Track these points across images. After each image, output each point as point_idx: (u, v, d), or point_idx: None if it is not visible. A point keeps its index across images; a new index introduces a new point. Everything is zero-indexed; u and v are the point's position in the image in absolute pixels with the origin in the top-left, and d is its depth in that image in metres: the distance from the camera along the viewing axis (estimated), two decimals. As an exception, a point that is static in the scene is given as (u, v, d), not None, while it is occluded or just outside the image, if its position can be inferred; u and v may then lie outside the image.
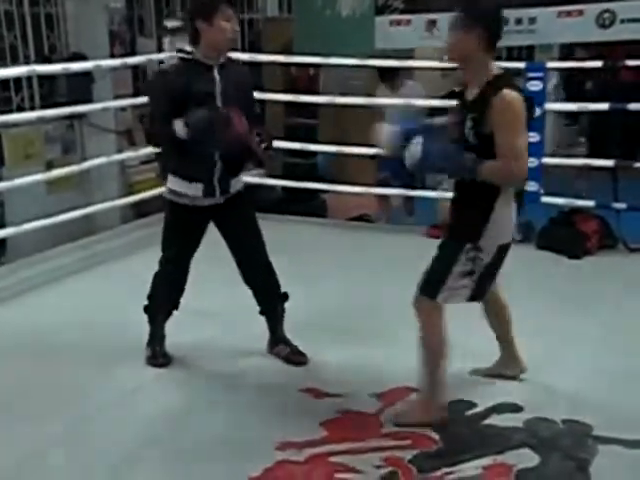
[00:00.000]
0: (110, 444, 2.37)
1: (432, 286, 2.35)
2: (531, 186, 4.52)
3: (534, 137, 4.08)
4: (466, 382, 2.71)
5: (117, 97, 5.09)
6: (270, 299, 2.92)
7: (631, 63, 4.40)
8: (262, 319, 2.95)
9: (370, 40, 5.39)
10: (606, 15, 4.81)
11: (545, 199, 4.46)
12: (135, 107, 5.47)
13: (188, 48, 2.65)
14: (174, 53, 4.82)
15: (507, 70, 2.40)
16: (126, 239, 4.73)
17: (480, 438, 2.39)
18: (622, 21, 4.76)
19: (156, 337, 2.92)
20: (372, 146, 2.90)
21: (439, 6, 5.38)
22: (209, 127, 2.47)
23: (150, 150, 5.17)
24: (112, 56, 5.12)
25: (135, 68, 5.51)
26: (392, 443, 2.37)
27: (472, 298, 2.40)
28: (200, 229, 2.81)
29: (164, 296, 2.89)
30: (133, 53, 5.40)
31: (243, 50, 6.40)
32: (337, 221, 5.18)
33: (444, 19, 5.41)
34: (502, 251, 2.35)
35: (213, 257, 2.99)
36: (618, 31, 4.79)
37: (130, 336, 3.06)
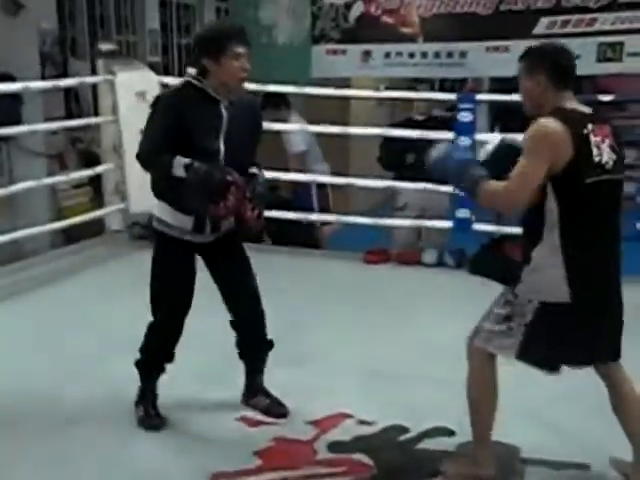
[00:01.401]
0: None
1: (476, 327, 2.24)
2: (462, 213, 4.67)
3: None
4: (398, 407, 2.73)
5: (48, 120, 4.97)
6: (256, 347, 2.71)
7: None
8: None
9: (307, 69, 5.48)
10: (531, 51, 5.04)
11: (476, 226, 4.60)
12: (67, 130, 5.36)
13: (197, 75, 2.47)
14: (108, 76, 4.81)
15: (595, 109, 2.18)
16: (55, 265, 4.58)
17: (413, 462, 2.41)
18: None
19: (148, 395, 2.64)
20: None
21: (374, 37, 5.55)
22: (206, 191, 2.30)
23: (81, 174, 5.08)
24: (43, 77, 5.00)
25: (67, 91, 5.39)
26: (326, 470, 2.36)
27: (522, 357, 2.15)
28: (192, 268, 2.55)
29: (158, 351, 2.62)
30: (65, 75, 5.29)
31: (180, 75, 6.38)
32: (278, 247, 5.17)
33: (379, 50, 5.57)
34: (550, 310, 2.09)
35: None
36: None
37: (60, 371, 2.94)
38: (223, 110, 2.44)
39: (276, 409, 2.68)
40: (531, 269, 2.11)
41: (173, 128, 2.37)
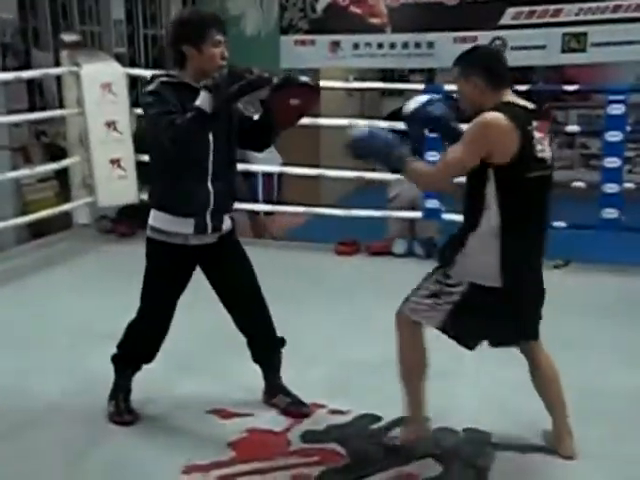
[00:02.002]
0: None
1: (405, 299, 2.34)
2: (432, 203, 4.71)
3: (614, 162, 4.27)
4: (371, 396, 2.75)
5: (11, 112, 4.86)
6: (267, 347, 2.67)
7: (521, 88, 4.67)
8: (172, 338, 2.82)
9: (275, 59, 5.45)
10: (497, 42, 5.10)
11: (445, 216, 4.64)
12: (31, 123, 5.25)
13: (163, 72, 2.42)
14: (72, 68, 4.72)
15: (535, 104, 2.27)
16: (21, 261, 4.50)
17: (386, 450, 2.43)
18: (512, 48, 5.07)
19: (121, 391, 2.60)
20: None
21: (342, 28, 5.54)
22: (232, 76, 2.20)
23: (47, 168, 4.99)
24: (4, 69, 4.89)
25: (30, 82, 5.28)
26: (300, 460, 2.37)
27: (444, 330, 2.27)
28: (188, 273, 2.52)
29: (139, 350, 2.59)
30: (28, 66, 5.18)
31: (147, 67, 6.30)
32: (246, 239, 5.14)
33: (347, 40, 5.57)
34: (478, 292, 2.19)
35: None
36: (509, 58, 5.08)
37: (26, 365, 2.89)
38: None
39: (297, 409, 2.65)
40: (465, 253, 2.20)
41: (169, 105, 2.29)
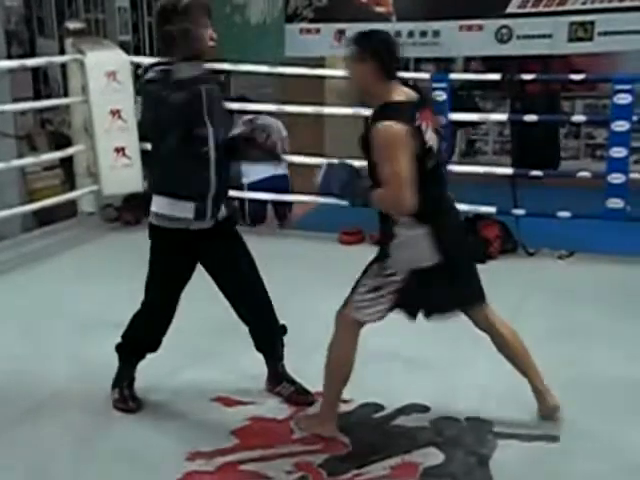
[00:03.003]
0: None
1: (346, 298, 2.39)
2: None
3: (620, 152, 4.23)
4: (374, 385, 2.76)
5: (16, 100, 4.87)
6: (269, 335, 2.69)
7: (527, 77, 4.65)
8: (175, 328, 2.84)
9: (280, 48, 5.42)
10: (504, 31, 5.07)
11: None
12: (36, 111, 5.26)
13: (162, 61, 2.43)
14: (77, 56, 4.72)
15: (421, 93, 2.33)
16: (27, 248, 4.52)
17: (388, 439, 2.44)
18: (518, 37, 5.04)
19: (125, 379, 2.63)
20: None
21: (348, 16, 5.50)
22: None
23: (52, 156, 4.99)
24: (9, 57, 4.89)
25: (35, 70, 5.28)
26: (302, 448, 2.38)
27: (391, 311, 2.36)
28: (192, 260, 2.53)
29: (143, 340, 2.61)
30: (33, 54, 5.18)
31: (151, 54, 6.28)
32: (249, 228, 5.15)
33: (352, 29, 5.54)
34: (418, 275, 2.29)
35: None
36: (515, 46, 5.06)
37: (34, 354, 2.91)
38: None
39: (301, 398, 2.67)
40: (398, 244, 2.29)
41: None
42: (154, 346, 2.63)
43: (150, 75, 2.39)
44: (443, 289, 2.33)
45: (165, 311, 2.58)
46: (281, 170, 5.21)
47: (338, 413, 2.56)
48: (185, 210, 2.44)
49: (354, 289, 2.38)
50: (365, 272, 2.37)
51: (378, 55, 2.23)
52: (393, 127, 2.15)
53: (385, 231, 2.33)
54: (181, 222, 2.46)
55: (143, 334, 2.61)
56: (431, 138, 2.25)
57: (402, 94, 2.27)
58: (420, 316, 2.41)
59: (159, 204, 2.47)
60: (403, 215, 2.24)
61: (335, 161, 2.38)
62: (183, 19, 2.34)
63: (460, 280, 2.38)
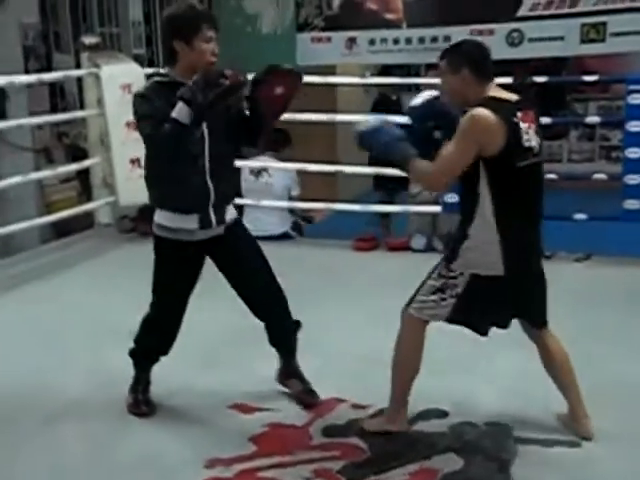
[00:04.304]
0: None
1: (411, 297, 2.39)
2: (450, 197, 4.69)
3: (636, 153, 4.20)
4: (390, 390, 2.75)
5: (33, 114, 4.94)
6: (284, 331, 2.70)
7: (539, 79, 4.64)
8: (195, 335, 2.85)
9: (291, 57, 5.47)
10: (515, 34, 5.07)
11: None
12: (53, 124, 5.33)
13: (162, 71, 2.48)
14: (92, 69, 4.78)
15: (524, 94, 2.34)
16: (45, 259, 4.58)
17: (407, 445, 2.43)
18: (530, 40, 5.04)
19: (140, 383, 2.66)
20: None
21: (358, 24, 5.54)
22: (207, 83, 2.20)
23: (69, 168, 5.06)
24: (27, 72, 4.97)
25: (52, 84, 5.36)
26: (321, 455, 2.38)
27: (452, 320, 2.35)
28: (198, 267, 2.55)
29: (154, 343, 2.63)
30: (49, 69, 5.26)
31: (165, 67, 6.35)
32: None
33: (363, 37, 5.57)
34: (480, 282, 2.25)
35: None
36: (526, 49, 5.06)
37: (52, 362, 2.94)
38: None
39: (307, 398, 2.68)
40: (468, 245, 2.26)
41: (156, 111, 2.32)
42: (165, 349, 2.65)
43: (147, 85, 2.41)
44: (502, 304, 2.31)
45: (172, 316, 2.60)
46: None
47: (356, 418, 2.57)
48: (189, 222, 2.45)
49: (419, 288, 2.37)
50: (432, 272, 2.36)
51: (467, 62, 2.25)
52: (482, 114, 2.16)
53: (459, 230, 2.31)
54: (185, 234, 2.46)
55: (153, 338, 2.63)
56: (532, 139, 2.23)
57: (501, 93, 2.27)
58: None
59: (161, 216, 2.48)
60: (429, 190, 2.29)
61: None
62: (185, 31, 2.33)
63: (520, 300, 2.34)
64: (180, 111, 2.25)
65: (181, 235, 2.46)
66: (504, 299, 2.31)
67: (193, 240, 2.48)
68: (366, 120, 2.35)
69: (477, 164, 2.20)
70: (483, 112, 2.17)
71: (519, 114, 2.22)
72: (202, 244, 2.50)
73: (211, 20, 2.39)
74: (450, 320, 2.35)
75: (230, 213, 2.56)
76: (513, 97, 2.29)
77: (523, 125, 2.21)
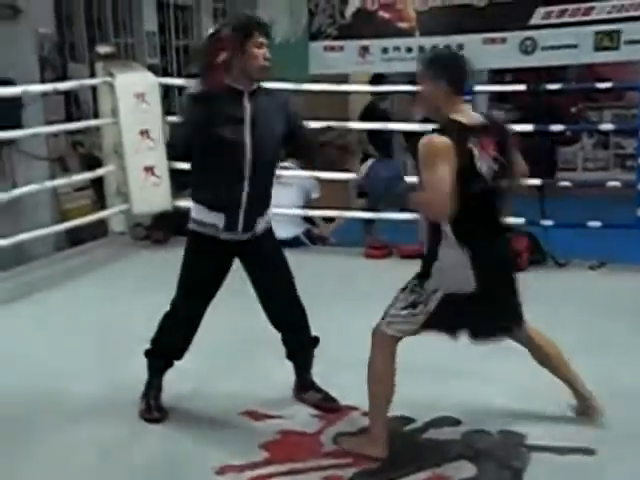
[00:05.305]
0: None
1: (384, 313, 2.39)
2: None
3: None
4: (403, 398, 2.74)
5: (49, 123, 4.99)
6: (301, 345, 2.73)
7: (552, 87, 4.63)
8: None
9: (304, 66, 5.49)
10: (528, 42, 5.06)
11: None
12: (68, 133, 5.38)
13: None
14: (107, 78, 4.83)
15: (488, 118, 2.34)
16: (60, 267, 4.61)
17: (419, 452, 2.42)
18: (543, 48, 5.03)
19: (153, 388, 2.66)
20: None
21: (371, 32, 5.56)
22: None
23: (83, 177, 5.10)
24: (43, 82, 5.03)
25: (67, 94, 5.42)
26: (333, 462, 2.37)
27: (417, 332, 2.37)
28: (225, 267, 2.58)
29: (170, 344, 2.64)
30: (65, 79, 5.32)
31: (179, 76, 6.40)
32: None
33: (376, 45, 5.58)
34: (455, 300, 2.27)
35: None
36: (540, 57, 5.05)
37: (66, 368, 2.95)
38: (246, 101, 2.46)
39: (328, 405, 2.69)
40: (439, 266, 2.28)
41: (196, 123, 2.43)
42: (180, 352, 2.66)
43: (195, 90, 2.50)
44: (477, 316, 2.32)
45: (191, 316, 2.61)
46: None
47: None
48: (215, 218, 2.51)
49: (390, 306, 2.38)
50: (404, 288, 2.37)
51: (449, 75, 2.26)
52: (435, 139, 2.18)
53: (430, 250, 2.32)
54: (211, 228, 2.52)
55: (170, 338, 2.64)
56: (486, 165, 2.23)
57: (466, 116, 2.26)
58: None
59: (194, 209, 2.57)
60: (440, 219, 2.22)
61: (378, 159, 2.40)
62: (242, 37, 2.42)
63: (495, 310, 2.35)
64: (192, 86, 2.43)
65: (210, 230, 2.52)
66: (475, 313, 2.29)
67: (220, 237, 2.52)
68: (361, 171, 2.33)
69: None
70: (434, 137, 2.19)
71: (474, 139, 2.21)
72: (230, 245, 2.54)
73: (263, 27, 2.49)
74: (416, 332, 2.36)
75: (261, 224, 2.59)
76: (475, 120, 2.26)
77: (476, 151, 2.20)
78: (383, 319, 2.38)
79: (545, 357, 2.52)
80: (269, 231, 2.64)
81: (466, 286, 2.25)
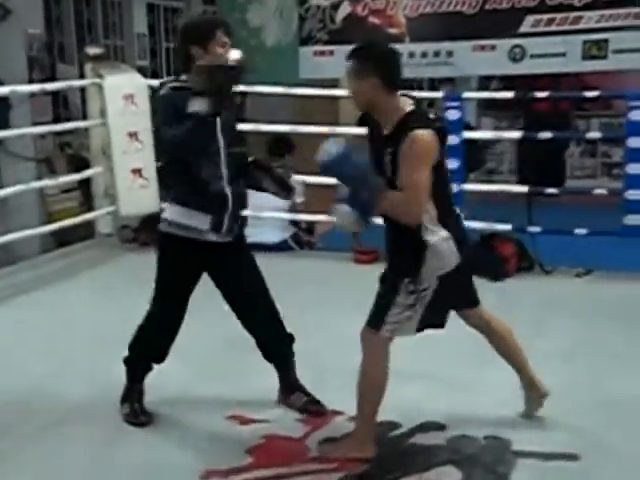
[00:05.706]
0: None
1: (376, 319, 2.35)
2: (452, 211, 4.69)
3: (453, 163, 4.25)
4: (389, 403, 2.74)
5: (36, 124, 4.97)
6: (277, 345, 2.70)
7: (540, 95, 4.66)
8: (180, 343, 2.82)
9: (294, 70, 5.50)
10: (517, 50, 5.10)
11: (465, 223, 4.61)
12: (56, 134, 5.36)
13: (171, 78, 2.56)
14: (96, 79, 4.81)
15: (420, 101, 2.36)
16: (46, 269, 4.58)
17: (405, 457, 2.42)
18: (532, 56, 5.07)
19: (134, 392, 2.64)
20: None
21: (361, 38, 5.57)
22: (227, 76, 2.32)
23: (70, 178, 5.07)
24: (31, 82, 5.00)
25: (56, 95, 5.40)
26: (318, 467, 2.36)
27: (421, 329, 2.39)
28: (199, 270, 2.56)
29: (150, 348, 2.62)
30: (53, 79, 5.29)
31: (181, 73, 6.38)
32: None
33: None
34: (444, 280, 2.30)
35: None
36: (528, 65, 5.09)
37: (51, 371, 2.93)
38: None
39: (314, 407, 2.67)
40: (432, 251, 2.27)
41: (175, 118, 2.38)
42: (160, 356, 2.64)
43: (164, 91, 2.46)
44: (456, 289, 2.39)
45: (171, 319, 2.60)
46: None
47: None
48: (201, 221, 2.48)
49: (385, 310, 2.32)
50: (392, 290, 2.32)
51: (380, 69, 2.21)
52: (426, 137, 2.18)
53: (411, 244, 2.27)
54: (194, 232, 2.49)
55: (149, 343, 2.62)
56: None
57: (409, 105, 2.27)
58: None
59: (173, 212, 2.51)
60: (412, 220, 2.22)
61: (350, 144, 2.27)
62: (202, 37, 2.41)
63: (466, 280, 2.45)
64: (194, 104, 2.30)
65: (191, 233, 2.48)
66: (456, 284, 2.35)
67: (200, 240, 2.50)
68: (329, 146, 2.22)
69: None
70: (425, 134, 2.18)
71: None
72: (206, 248, 2.52)
73: (227, 26, 2.48)
74: (419, 330, 2.39)
75: (240, 225, 2.59)
76: (429, 112, 2.39)
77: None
78: (380, 327, 2.33)
79: (501, 341, 2.54)
80: (241, 235, 2.62)
81: (455, 259, 2.31)
